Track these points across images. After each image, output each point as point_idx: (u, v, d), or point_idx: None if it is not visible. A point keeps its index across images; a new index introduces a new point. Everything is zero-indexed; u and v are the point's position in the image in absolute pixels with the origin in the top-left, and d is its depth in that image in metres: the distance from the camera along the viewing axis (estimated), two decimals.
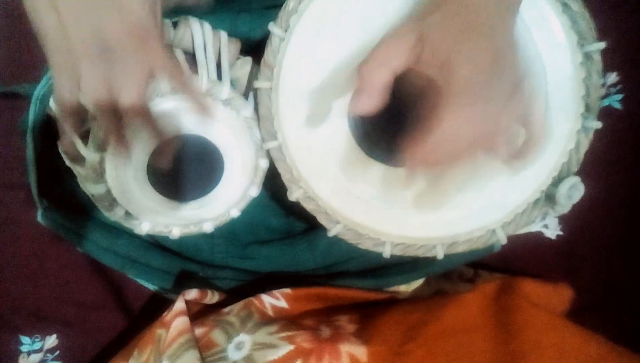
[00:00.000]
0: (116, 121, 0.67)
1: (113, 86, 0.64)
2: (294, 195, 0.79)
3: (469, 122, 0.58)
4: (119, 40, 0.62)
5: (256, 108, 0.80)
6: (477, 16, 0.57)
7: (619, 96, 1.00)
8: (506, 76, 0.59)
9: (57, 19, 0.60)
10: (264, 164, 0.83)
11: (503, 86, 0.58)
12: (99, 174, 0.76)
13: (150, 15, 0.63)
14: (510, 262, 1.02)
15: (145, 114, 0.68)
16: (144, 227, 0.83)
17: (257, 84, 0.78)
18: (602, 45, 0.71)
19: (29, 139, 0.90)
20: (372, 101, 0.60)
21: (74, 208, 0.93)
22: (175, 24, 0.77)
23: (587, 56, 0.72)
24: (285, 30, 0.76)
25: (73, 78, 0.64)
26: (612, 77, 1.00)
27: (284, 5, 0.75)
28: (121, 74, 0.64)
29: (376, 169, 0.78)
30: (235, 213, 0.86)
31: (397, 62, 0.59)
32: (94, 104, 0.65)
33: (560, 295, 0.89)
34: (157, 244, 0.98)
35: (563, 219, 1.02)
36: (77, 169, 0.77)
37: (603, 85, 1.00)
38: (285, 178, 0.80)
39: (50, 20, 0.61)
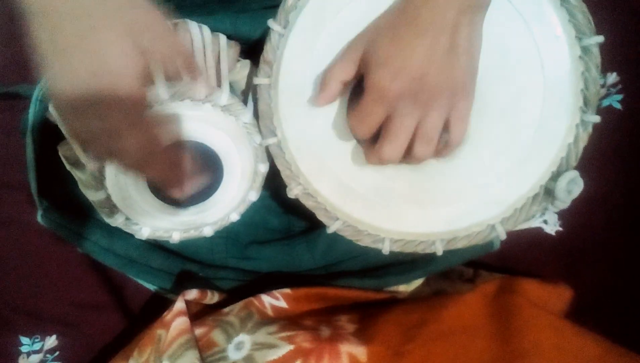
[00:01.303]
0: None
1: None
2: (293, 192, 0.79)
3: (380, 112, 0.69)
4: (98, 92, 0.60)
5: (255, 106, 0.80)
6: (422, 21, 0.64)
7: (619, 96, 1.00)
8: (437, 81, 0.65)
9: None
10: (263, 168, 0.83)
11: (432, 89, 0.66)
12: (99, 180, 0.76)
13: (128, 66, 0.62)
14: (510, 260, 1.02)
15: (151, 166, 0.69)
16: (144, 232, 0.83)
17: (257, 80, 0.78)
18: (600, 38, 0.71)
19: (29, 139, 0.90)
20: (326, 101, 0.75)
21: (74, 208, 0.93)
22: (174, 27, 0.77)
23: (586, 50, 0.72)
24: (285, 27, 0.76)
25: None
26: (612, 77, 1.00)
27: (283, 1, 0.76)
28: (107, 128, 0.63)
29: (375, 165, 0.78)
30: (235, 217, 0.86)
31: (345, 76, 0.73)
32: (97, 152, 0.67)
33: (560, 295, 0.89)
34: (157, 244, 0.98)
35: (562, 216, 1.02)
36: (77, 174, 0.77)
37: (603, 85, 1.00)
38: (284, 174, 0.80)
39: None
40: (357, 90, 0.75)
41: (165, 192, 0.76)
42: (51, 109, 0.76)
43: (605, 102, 1.00)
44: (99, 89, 0.60)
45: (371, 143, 0.72)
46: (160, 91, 0.72)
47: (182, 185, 0.74)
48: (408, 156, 0.71)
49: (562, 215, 1.02)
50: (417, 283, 0.99)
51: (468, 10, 0.63)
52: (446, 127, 0.70)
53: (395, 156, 0.70)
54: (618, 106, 1.00)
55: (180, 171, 0.73)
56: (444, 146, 0.72)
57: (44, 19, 0.59)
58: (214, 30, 0.80)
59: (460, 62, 0.65)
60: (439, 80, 0.65)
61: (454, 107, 0.68)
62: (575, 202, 0.74)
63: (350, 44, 0.73)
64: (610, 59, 0.94)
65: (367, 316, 0.86)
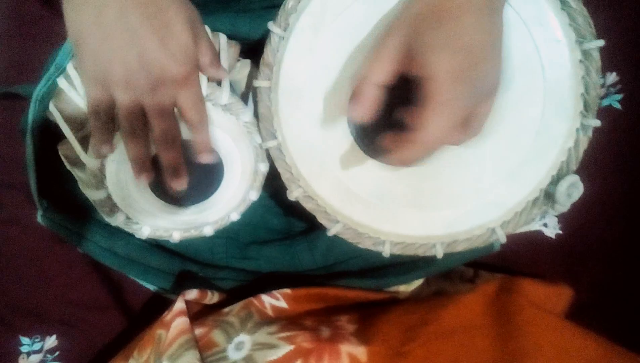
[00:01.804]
0: (145, 148, 0.71)
1: (147, 114, 0.69)
2: (293, 194, 0.79)
3: (449, 123, 0.62)
4: (164, 68, 0.66)
5: (256, 107, 0.80)
6: (458, 15, 0.61)
7: (619, 96, 1.00)
8: (485, 77, 0.63)
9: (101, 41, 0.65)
10: (263, 168, 0.83)
11: (481, 87, 0.63)
12: (100, 179, 0.76)
13: (194, 48, 0.69)
14: (510, 262, 1.02)
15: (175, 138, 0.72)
16: (144, 232, 0.83)
17: (257, 83, 0.78)
18: (601, 42, 0.71)
19: (29, 139, 0.90)
20: (365, 112, 0.67)
21: (74, 208, 0.93)
22: None
23: (586, 54, 0.72)
24: (285, 29, 0.76)
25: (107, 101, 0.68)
26: (612, 77, 1.00)
27: (283, 4, 0.76)
28: (156, 103, 0.68)
29: (375, 168, 0.78)
30: (235, 216, 0.86)
31: (383, 77, 0.66)
32: (125, 126, 0.69)
33: (560, 295, 0.89)
34: (157, 244, 0.98)
35: (562, 218, 1.02)
36: (77, 174, 0.77)
37: (603, 85, 1.00)
38: (284, 177, 0.80)
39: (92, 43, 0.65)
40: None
41: (167, 183, 0.76)
42: (51, 108, 0.76)
43: (605, 102, 1.00)
44: (162, 70, 0.66)
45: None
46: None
47: (185, 177, 0.74)
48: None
49: (562, 218, 1.02)
50: (417, 283, 0.99)
51: None
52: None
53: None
54: (618, 106, 1.00)
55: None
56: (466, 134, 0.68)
57: (110, 6, 0.63)
58: (213, 29, 0.80)
59: (498, 35, 0.64)
60: (486, 52, 0.62)
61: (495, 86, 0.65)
62: (575, 205, 0.74)
63: (381, 42, 0.66)
64: (610, 59, 0.94)
65: (367, 317, 0.86)
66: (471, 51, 0.61)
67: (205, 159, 0.74)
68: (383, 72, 0.66)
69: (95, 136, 0.70)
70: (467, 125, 0.65)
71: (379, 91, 0.66)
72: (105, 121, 0.68)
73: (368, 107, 0.67)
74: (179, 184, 0.74)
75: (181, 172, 0.74)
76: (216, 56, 0.76)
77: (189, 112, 0.70)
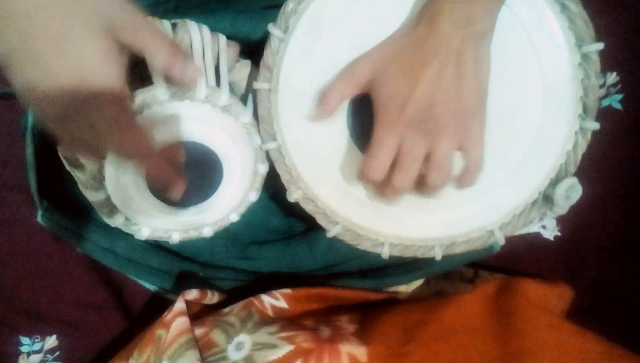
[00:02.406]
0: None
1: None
2: (293, 196, 0.79)
3: (390, 143, 0.69)
4: (65, 90, 0.58)
5: (255, 109, 0.80)
6: (428, 50, 0.66)
7: (619, 96, 1.00)
8: (444, 109, 0.66)
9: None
10: (263, 169, 0.83)
11: (439, 118, 0.67)
12: (99, 181, 0.76)
13: (97, 59, 0.60)
14: (510, 262, 1.03)
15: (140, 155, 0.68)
16: (144, 233, 0.83)
17: (257, 85, 0.78)
18: (600, 45, 0.71)
19: (29, 140, 0.90)
20: (327, 114, 0.75)
21: (74, 208, 0.93)
22: (174, 27, 0.77)
23: (585, 57, 0.72)
24: (284, 32, 0.76)
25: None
26: (612, 77, 1.00)
27: (283, 6, 0.75)
28: (87, 123, 0.61)
29: None
30: (234, 217, 0.86)
31: (348, 93, 0.74)
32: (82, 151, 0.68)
33: (559, 295, 0.89)
34: (157, 245, 0.98)
35: (561, 220, 1.02)
36: (76, 175, 0.77)
37: (603, 85, 1.00)
38: (284, 178, 0.80)
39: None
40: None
41: (161, 191, 0.76)
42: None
43: (605, 102, 1.00)
44: (80, 92, 0.58)
45: (380, 184, 0.73)
46: (159, 91, 0.72)
47: (178, 184, 0.73)
48: (424, 186, 0.72)
49: (561, 220, 1.02)
50: (417, 283, 0.99)
51: (471, 37, 0.64)
52: (464, 155, 0.70)
53: (407, 184, 0.71)
54: (618, 106, 1.00)
55: (175, 170, 0.72)
56: (464, 173, 0.72)
57: (11, 24, 0.55)
58: (213, 30, 0.80)
59: (468, 87, 0.66)
60: (446, 107, 0.65)
61: (466, 132, 0.68)
62: (574, 207, 0.74)
63: (354, 65, 0.73)
64: (610, 59, 0.94)
65: (367, 317, 0.86)
66: (412, 103, 0.66)
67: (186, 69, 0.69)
68: (348, 90, 0.73)
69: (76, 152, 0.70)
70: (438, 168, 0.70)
71: (340, 102, 0.74)
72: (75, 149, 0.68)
73: (329, 112, 0.74)
74: (175, 192, 0.73)
75: (171, 180, 0.72)
76: (175, 50, 0.67)
77: (113, 144, 0.64)
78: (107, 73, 0.60)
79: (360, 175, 0.75)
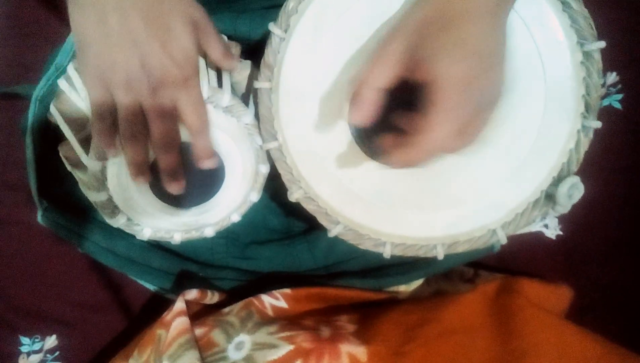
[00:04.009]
0: (144, 151, 0.72)
1: (147, 117, 0.70)
2: (294, 196, 0.79)
3: (452, 130, 0.62)
4: (165, 71, 0.67)
5: (256, 109, 0.80)
6: (465, 21, 0.61)
7: (619, 96, 1.00)
8: (491, 85, 0.63)
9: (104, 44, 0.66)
10: (264, 169, 0.83)
11: (487, 96, 0.63)
12: (101, 181, 0.76)
13: (195, 50, 0.70)
14: (510, 262, 1.02)
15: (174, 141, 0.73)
16: (145, 233, 0.83)
17: (258, 84, 0.78)
18: (602, 44, 0.71)
19: (29, 139, 0.90)
20: (365, 115, 0.67)
21: (74, 208, 0.93)
22: None
23: (587, 55, 0.72)
24: (285, 31, 0.76)
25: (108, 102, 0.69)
26: (612, 77, 1.00)
27: (284, 5, 0.75)
28: (156, 106, 0.68)
29: (376, 169, 0.78)
30: (236, 218, 0.86)
31: (384, 81, 0.65)
32: (124, 128, 0.69)
33: (560, 295, 0.89)
34: (157, 244, 0.98)
35: (563, 219, 1.02)
36: (78, 175, 0.77)
37: (603, 85, 1.00)
38: (285, 178, 0.80)
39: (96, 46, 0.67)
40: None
41: (165, 186, 0.76)
42: (52, 109, 0.76)
43: (605, 102, 1.00)
44: (163, 73, 0.67)
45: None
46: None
47: (182, 181, 0.75)
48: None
49: (563, 219, 1.02)
50: (417, 283, 0.99)
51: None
52: None
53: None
54: (618, 105, 1.00)
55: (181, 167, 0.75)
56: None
57: (113, 10, 0.64)
58: None
59: (502, 43, 0.63)
60: (494, 59, 0.62)
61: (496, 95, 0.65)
62: (576, 206, 0.74)
63: (384, 45, 0.65)
64: (611, 59, 0.94)
65: (367, 316, 0.86)
66: (480, 58, 0.60)
67: (206, 165, 0.74)
68: (384, 77, 0.65)
69: (99, 139, 0.70)
70: (464, 133, 0.64)
71: (379, 95, 0.66)
72: (109, 124, 0.69)
73: (367, 111, 0.66)
74: (176, 188, 0.74)
75: (178, 176, 0.74)
76: (227, 48, 0.76)
77: (189, 115, 0.71)
78: (197, 60, 0.72)
79: (416, 142, 0.64)
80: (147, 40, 0.65)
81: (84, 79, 0.74)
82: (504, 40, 0.64)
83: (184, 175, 0.75)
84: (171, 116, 0.70)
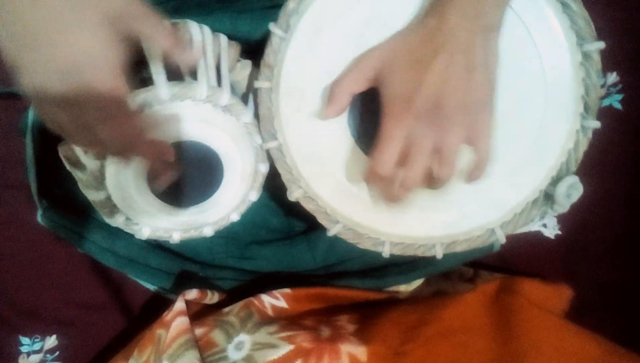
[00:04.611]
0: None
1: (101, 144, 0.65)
2: (293, 195, 0.79)
3: (398, 136, 0.68)
4: (78, 74, 0.59)
5: (256, 108, 0.80)
6: (436, 43, 0.65)
7: (619, 96, 1.00)
8: (452, 101, 0.65)
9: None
10: (263, 169, 0.83)
11: (448, 110, 0.66)
12: (100, 180, 0.76)
13: (111, 48, 0.61)
14: (510, 262, 1.03)
15: (138, 151, 0.69)
16: (144, 232, 0.83)
17: (258, 84, 0.77)
18: (601, 44, 0.71)
19: (29, 139, 0.90)
20: (336, 113, 0.75)
21: (74, 208, 0.93)
22: (174, 27, 0.77)
23: (587, 56, 0.72)
24: (286, 31, 0.75)
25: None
26: (612, 77, 1.00)
27: (284, 5, 0.75)
28: (85, 111, 0.61)
29: None
30: (235, 217, 0.86)
31: (356, 88, 0.73)
32: (77, 138, 0.65)
33: (559, 295, 0.89)
34: (157, 244, 0.98)
35: (562, 219, 1.03)
36: (77, 174, 0.77)
37: (603, 85, 1.00)
38: (285, 177, 0.80)
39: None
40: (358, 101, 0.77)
41: (151, 181, 0.76)
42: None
43: (606, 102, 1.00)
44: (75, 83, 0.59)
45: (388, 183, 0.72)
46: (161, 91, 0.71)
47: (168, 174, 0.74)
48: (432, 181, 0.71)
49: (562, 219, 1.02)
50: (417, 283, 0.99)
51: (480, 30, 0.64)
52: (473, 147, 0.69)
53: (417, 179, 0.70)
54: (618, 106, 1.00)
55: (165, 161, 0.73)
56: (474, 167, 0.71)
57: (15, 9, 0.56)
58: (214, 30, 0.80)
59: (476, 79, 0.65)
60: (454, 100, 0.65)
61: (475, 125, 0.67)
62: (575, 205, 0.74)
63: (362, 59, 0.72)
64: (611, 59, 0.94)
65: (367, 317, 0.86)
66: (421, 97, 0.65)
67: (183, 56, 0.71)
68: (356, 85, 0.73)
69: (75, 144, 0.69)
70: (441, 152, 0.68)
71: (348, 98, 0.74)
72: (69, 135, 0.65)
73: (338, 110, 0.74)
74: (164, 181, 0.75)
75: (164, 155, 0.72)
76: (174, 36, 0.69)
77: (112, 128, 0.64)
78: (106, 61, 0.60)
79: (367, 173, 0.74)
80: (58, 42, 0.57)
81: None
82: (482, 61, 0.66)
83: (169, 166, 0.75)
84: (107, 118, 0.63)
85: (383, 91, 0.69)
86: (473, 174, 0.71)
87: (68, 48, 0.57)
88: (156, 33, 0.66)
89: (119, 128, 0.64)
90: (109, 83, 0.61)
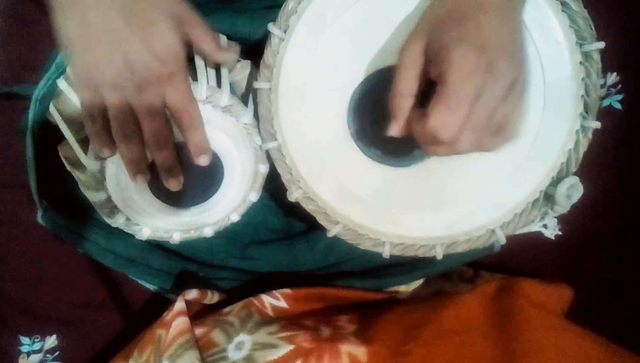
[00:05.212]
0: (139, 149, 0.71)
1: (137, 115, 0.69)
2: (293, 195, 0.79)
3: (457, 118, 0.61)
4: (149, 68, 0.66)
5: (256, 109, 0.80)
6: (476, 14, 0.61)
7: (619, 96, 1.00)
8: (502, 74, 0.60)
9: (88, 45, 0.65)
10: (263, 169, 0.83)
11: (499, 85, 0.60)
12: (100, 181, 0.76)
13: (180, 45, 0.68)
14: (510, 262, 1.03)
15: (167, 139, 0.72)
16: (144, 233, 0.83)
17: (257, 84, 0.77)
18: (601, 44, 0.71)
19: (29, 139, 0.90)
20: (403, 125, 0.67)
21: (74, 208, 0.93)
22: None
23: (586, 56, 0.72)
24: (285, 31, 0.75)
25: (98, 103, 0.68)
26: (612, 77, 1.00)
27: (283, 5, 0.75)
28: (145, 104, 0.68)
29: (375, 170, 0.78)
30: (235, 217, 0.86)
31: (413, 86, 0.65)
32: (116, 128, 0.68)
33: (560, 295, 0.89)
34: (156, 244, 0.98)
35: (562, 220, 1.03)
36: (77, 175, 0.77)
37: (603, 85, 1.00)
38: (284, 178, 0.80)
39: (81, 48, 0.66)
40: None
41: (164, 183, 0.76)
42: (52, 109, 0.76)
43: (606, 102, 1.00)
44: (142, 77, 0.66)
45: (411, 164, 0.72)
46: (202, 90, 0.74)
47: (180, 177, 0.74)
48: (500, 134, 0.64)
49: (562, 219, 1.02)
50: (417, 283, 0.99)
51: None
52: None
53: (480, 144, 0.63)
54: (618, 106, 1.00)
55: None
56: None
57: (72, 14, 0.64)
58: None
59: (518, 34, 0.63)
60: (509, 56, 0.60)
61: (516, 84, 0.62)
62: (575, 206, 0.74)
63: (402, 55, 0.66)
64: (611, 59, 0.94)
65: (367, 317, 0.86)
66: (489, 47, 0.60)
67: (202, 161, 0.73)
68: (412, 82, 0.65)
69: (93, 140, 0.70)
70: (499, 128, 0.63)
71: (412, 100, 0.66)
72: (101, 124, 0.68)
73: (403, 121, 0.67)
74: (175, 184, 0.74)
75: (176, 172, 0.74)
76: (218, 40, 0.76)
77: (177, 111, 0.70)
78: (175, 55, 0.68)
79: (422, 132, 0.63)
80: (128, 38, 0.64)
81: (74, 81, 0.74)
82: (520, 32, 0.64)
83: (182, 171, 0.74)
84: (160, 113, 0.69)
85: (444, 56, 0.60)
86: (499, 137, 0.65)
87: (139, 45, 0.65)
88: (204, 37, 0.73)
89: (164, 125, 0.70)
90: (176, 76, 0.69)
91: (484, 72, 0.59)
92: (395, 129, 0.67)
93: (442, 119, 0.61)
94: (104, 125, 0.68)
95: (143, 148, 0.71)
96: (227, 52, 0.77)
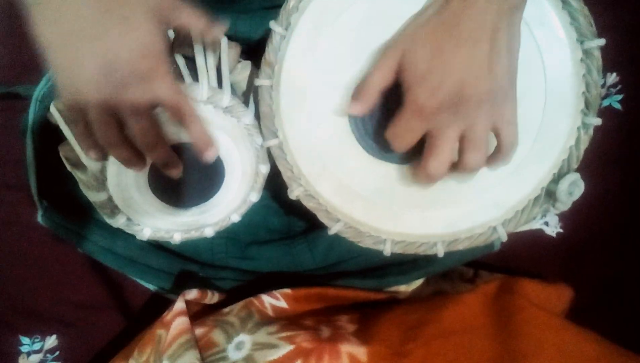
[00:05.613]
0: (125, 148, 0.68)
1: (121, 117, 0.66)
2: (294, 193, 0.79)
3: (417, 127, 0.67)
4: (128, 64, 0.63)
5: (257, 107, 0.80)
6: (461, 29, 0.63)
7: (619, 96, 1.00)
8: (478, 89, 0.64)
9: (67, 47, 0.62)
10: (264, 170, 0.83)
11: (473, 98, 0.64)
12: (101, 181, 0.76)
13: (159, 38, 0.65)
14: (510, 260, 1.03)
15: (155, 136, 0.69)
16: (145, 233, 0.83)
17: (258, 82, 0.78)
18: (602, 41, 0.71)
19: (29, 139, 0.90)
20: (364, 109, 0.71)
21: (74, 208, 0.93)
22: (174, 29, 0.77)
23: (587, 53, 0.72)
24: (286, 28, 0.76)
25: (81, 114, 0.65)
26: (612, 77, 1.01)
27: (284, 3, 0.75)
28: (128, 103, 0.64)
29: (376, 167, 0.78)
30: (235, 218, 0.86)
31: (384, 84, 0.69)
32: (103, 135, 0.66)
33: (560, 295, 0.89)
34: (157, 244, 0.98)
35: (563, 217, 1.03)
36: (78, 175, 0.77)
37: (603, 85, 1.00)
38: (285, 175, 0.79)
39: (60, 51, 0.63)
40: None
41: (165, 171, 0.75)
42: (52, 109, 0.76)
43: (606, 103, 1.00)
44: (119, 75, 0.62)
45: (413, 161, 0.73)
46: (203, 91, 0.74)
47: (179, 166, 0.74)
48: (460, 167, 0.69)
49: (563, 216, 1.02)
50: (417, 283, 0.99)
51: (507, 12, 0.62)
52: (496, 135, 0.68)
53: (442, 169, 0.68)
54: (618, 106, 1.00)
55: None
56: (497, 153, 0.69)
57: (68, 8, 0.60)
58: None
59: (500, 66, 0.64)
60: (479, 88, 0.63)
61: (499, 112, 0.65)
62: (576, 203, 0.74)
63: (386, 52, 0.70)
64: (611, 59, 0.94)
65: (367, 317, 0.86)
66: (451, 69, 0.63)
67: (208, 157, 0.72)
68: (383, 80, 0.69)
69: (79, 143, 0.69)
70: (468, 137, 0.67)
71: (377, 93, 0.70)
72: (84, 127, 0.66)
73: (366, 106, 0.71)
74: (175, 174, 0.73)
75: (173, 164, 0.72)
76: (206, 21, 0.72)
77: (167, 106, 0.67)
78: (154, 50, 0.64)
79: (416, 176, 0.72)
80: (104, 34, 0.61)
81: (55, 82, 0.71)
82: (506, 45, 0.64)
83: (179, 161, 0.73)
84: (145, 112, 0.66)
85: (405, 79, 0.67)
86: (495, 159, 0.70)
87: (116, 41, 0.61)
88: (192, 18, 0.69)
89: (151, 123, 0.67)
90: (158, 70, 0.65)
91: (435, 109, 0.65)
92: (355, 111, 0.72)
93: (393, 139, 0.70)
94: (87, 128, 0.66)
95: (131, 147, 0.68)
96: (216, 27, 0.73)
